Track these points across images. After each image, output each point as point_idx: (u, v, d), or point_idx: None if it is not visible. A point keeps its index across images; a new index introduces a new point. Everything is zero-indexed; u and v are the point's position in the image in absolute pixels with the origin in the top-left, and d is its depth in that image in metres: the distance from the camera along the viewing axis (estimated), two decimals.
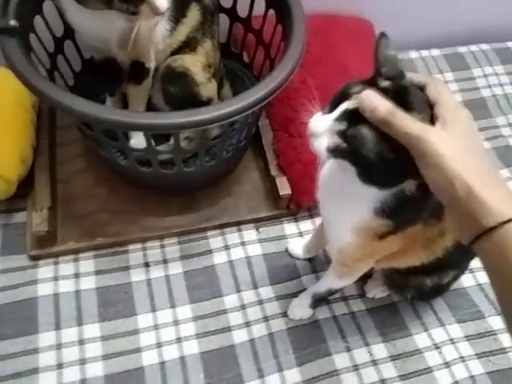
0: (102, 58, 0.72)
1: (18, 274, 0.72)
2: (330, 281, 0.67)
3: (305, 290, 0.73)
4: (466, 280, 0.78)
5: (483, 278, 0.78)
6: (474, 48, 1.09)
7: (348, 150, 0.43)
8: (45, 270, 0.73)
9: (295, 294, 0.74)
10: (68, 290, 0.72)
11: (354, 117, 0.42)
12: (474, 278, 0.78)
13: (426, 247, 0.58)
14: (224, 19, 0.81)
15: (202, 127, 0.57)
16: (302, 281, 0.76)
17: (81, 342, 0.68)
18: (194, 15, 0.68)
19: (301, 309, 0.72)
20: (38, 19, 0.66)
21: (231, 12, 0.82)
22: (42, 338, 0.67)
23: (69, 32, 0.74)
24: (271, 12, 0.75)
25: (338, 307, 0.75)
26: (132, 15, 0.57)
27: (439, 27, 1.11)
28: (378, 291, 0.76)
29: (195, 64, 0.68)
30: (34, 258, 0.73)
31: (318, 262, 0.78)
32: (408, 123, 0.40)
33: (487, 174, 0.41)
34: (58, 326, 0.69)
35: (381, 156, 0.42)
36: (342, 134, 0.43)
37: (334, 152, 0.45)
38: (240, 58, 0.88)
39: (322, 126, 0.44)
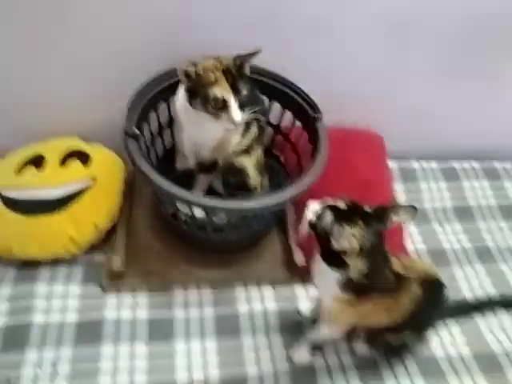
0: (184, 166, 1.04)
1: (91, 301, 0.97)
2: (321, 331, 0.89)
3: None
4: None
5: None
6: (465, 165, 1.36)
7: (315, 223, 0.73)
8: (111, 301, 0.98)
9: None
10: (126, 318, 0.96)
11: (328, 208, 0.73)
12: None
13: (388, 311, 0.83)
14: (269, 131, 1.10)
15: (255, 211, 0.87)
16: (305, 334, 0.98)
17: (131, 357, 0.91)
18: (253, 131, 0.97)
19: (301, 353, 0.94)
20: (145, 125, 0.97)
21: (276, 127, 1.11)
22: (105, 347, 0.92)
23: (160, 131, 1.06)
24: (305, 133, 1.03)
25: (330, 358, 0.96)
26: (216, 119, 0.84)
27: (438, 144, 1.37)
28: (362, 348, 0.96)
29: (249, 163, 0.97)
30: (105, 290, 0.98)
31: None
32: None
33: None
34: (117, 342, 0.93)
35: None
36: (317, 214, 0.73)
37: (311, 225, 0.73)
38: (278, 158, 1.16)
39: (312, 208, 0.75)
